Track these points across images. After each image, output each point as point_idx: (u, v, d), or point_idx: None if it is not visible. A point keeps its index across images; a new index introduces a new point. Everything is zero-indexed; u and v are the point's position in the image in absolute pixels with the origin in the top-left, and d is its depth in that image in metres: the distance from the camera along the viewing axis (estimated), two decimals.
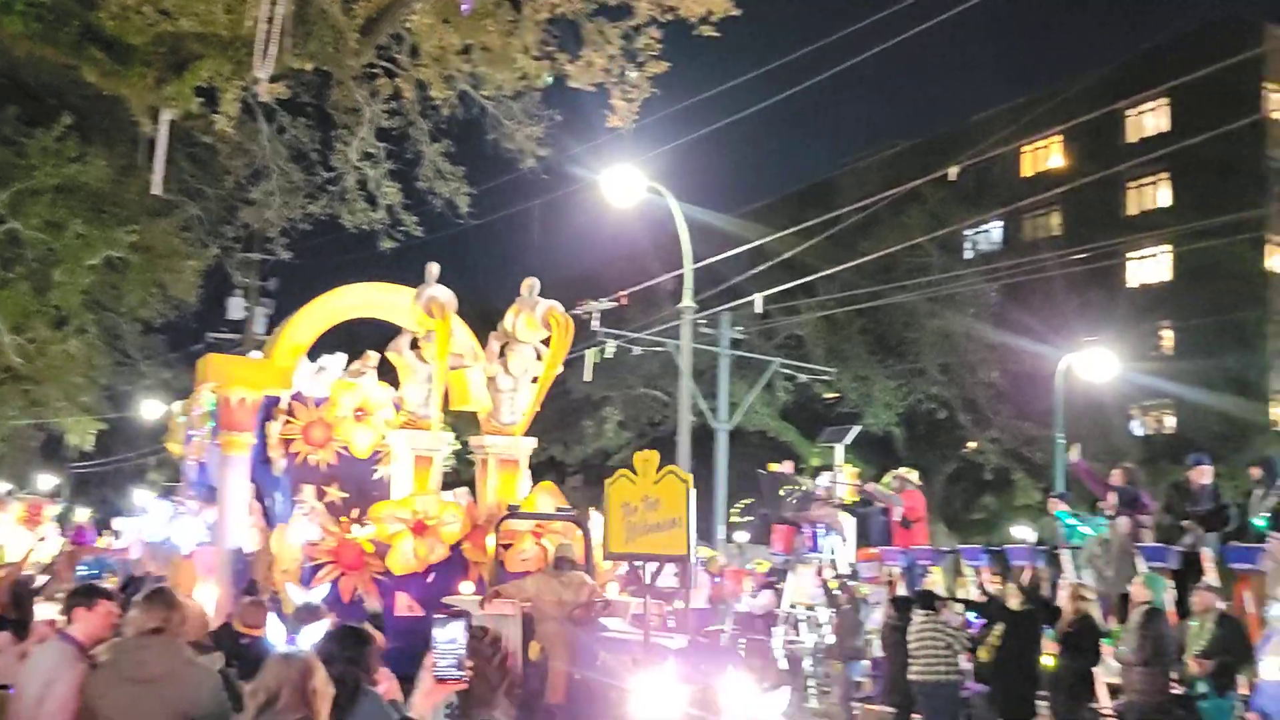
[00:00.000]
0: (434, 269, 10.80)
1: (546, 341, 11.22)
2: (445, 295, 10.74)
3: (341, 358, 12.16)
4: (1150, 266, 37.52)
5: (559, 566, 9.46)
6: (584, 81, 12.62)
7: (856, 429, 21.66)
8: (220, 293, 28.01)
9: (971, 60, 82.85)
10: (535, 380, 11.41)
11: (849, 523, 15.57)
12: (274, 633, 4.43)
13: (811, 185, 40.54)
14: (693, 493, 7.42)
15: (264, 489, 11.33)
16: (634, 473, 7.89)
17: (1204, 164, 31.01)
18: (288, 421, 11.36)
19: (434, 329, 10.63)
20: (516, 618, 9.03)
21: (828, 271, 24.20)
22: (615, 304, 23.19)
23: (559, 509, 10.86)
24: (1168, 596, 10.95)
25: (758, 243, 22.53)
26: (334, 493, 11.25)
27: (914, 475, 15.98)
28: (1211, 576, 11.07)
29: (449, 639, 3.86)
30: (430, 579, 10.17)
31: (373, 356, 11.97)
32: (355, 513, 10.76)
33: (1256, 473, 11.39)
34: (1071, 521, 13.26)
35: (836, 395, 33.60)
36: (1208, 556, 11.26)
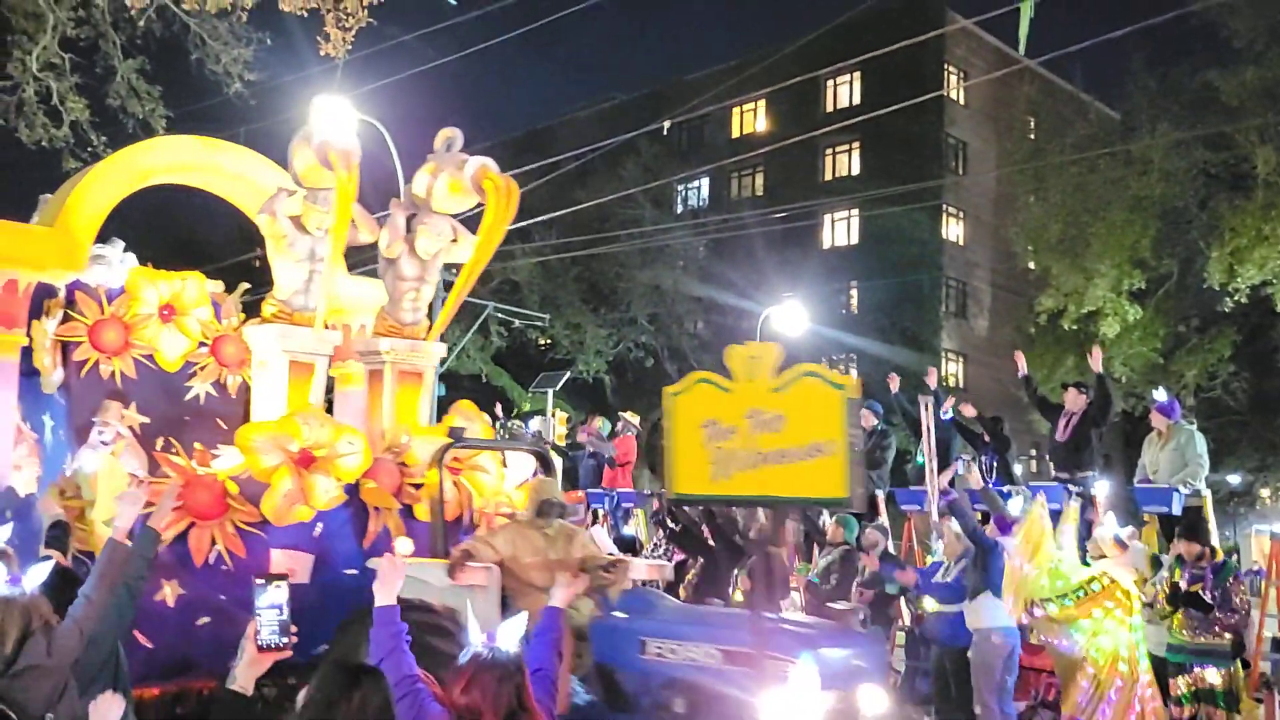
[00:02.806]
0: (327, 103, 8.33)
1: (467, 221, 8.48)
2: (348, 141, 7.86)
3: (119, 245, 9.24)
4: (842, 229, 40.25)
5: (543, 514, 6.90)
6: (295, 5, 12.07)
7: (567, 375, 22.10)
8: None
9: (690, 17, 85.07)
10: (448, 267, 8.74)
11: (556, 465, 15.85)
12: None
13: (531, 132, 40.59)
14: (854, 404, 4.99)
15: (28, 408, 8.32)
16: (724, 376, 5.35)
17: (891, 136, 33.51)
18: (68, 319, 8.40)
19: (332, 186, 7.87)
20: (492, 590, 6.47)
21: (544, 218, 24.41)
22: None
23: (512, 437, 8.59)
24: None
25: None
26: (131, 415, 8.45)
27: (635, 419, 16.49)
28: (883, 517, 12.19)
29: (272, 604, 3.63)
30: (318, 531, 7.39)
31: (117, 244, 9.22)
32: (160, 442, 8.18)
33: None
34: None
35: (550, 341, 34.08)
36: (879, 499, 12.38)
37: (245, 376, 8.70)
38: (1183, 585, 8.62)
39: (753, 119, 42.07)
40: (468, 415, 8.39)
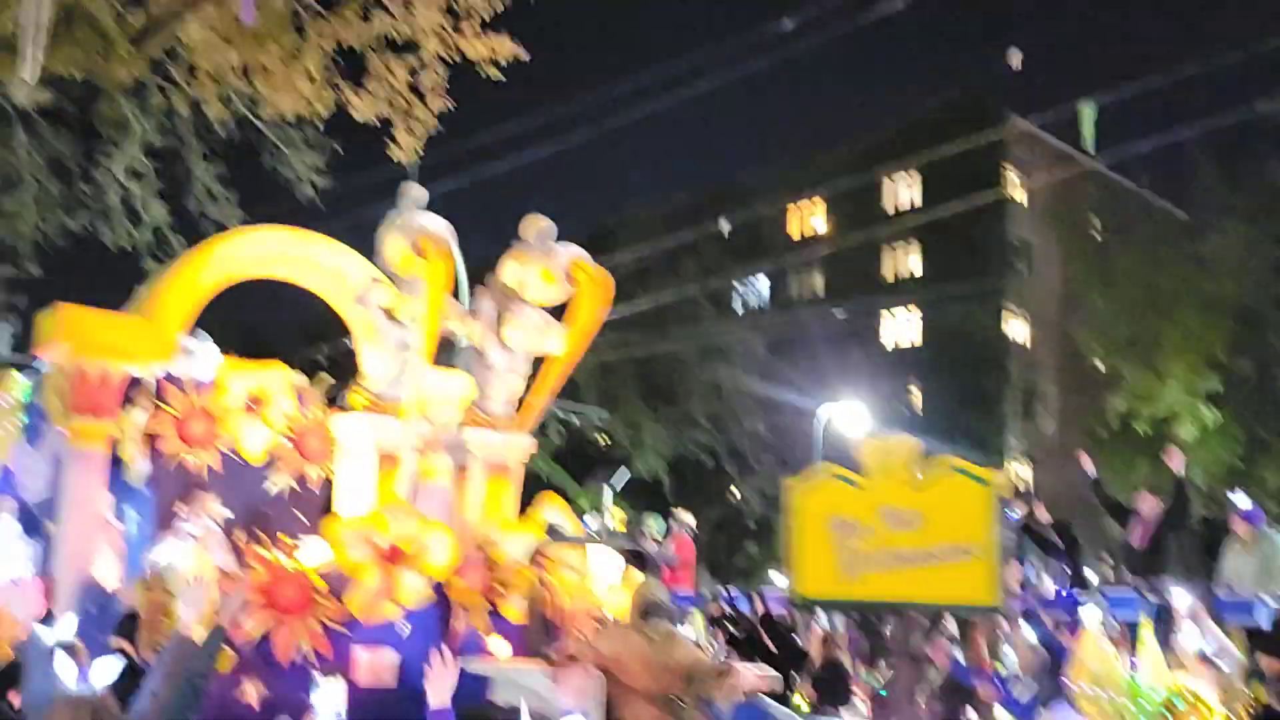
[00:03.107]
0: (417, 190, 8.10)
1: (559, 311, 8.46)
2: (440, 226, 7.93)
3: (205, 337, 8.99)
4: (903, 329, 40.06)
5: (647, 616, 6.24)
6: (367, 113, 12.47)
7: (626, 474, 21.99)
8: None
9: (745, 120, 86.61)
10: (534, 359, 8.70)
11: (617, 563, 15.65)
12: (64, 671, 4.08)
13: (592, 233, 41.20)
14: (1003, 502, 4.49)
15: (113, 500, 8.20)
16: (853, 470, 4.93)
17: (952, 236, 33.47)
18: (157, 410, 8.30)
19: (422, 275, 7.88)
20: (598, 699, 5.89)
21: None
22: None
23: (610, 533, 8.57)
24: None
25: None
26: (216, 508, 8.40)
27: (688, 517, 16.26)
28: (952, 625, 11.81)
29: (328, 702, 3.40)
30: (404, 630, 7.12)
31: (203, 335, 9.02)
32: (243, 536, 8.11)
33: None
34: None
35: (608, 439, 34.03)
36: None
37: (327, 469, 8.63)
38: (1273, 704, 8.22)
39: (812, 218, 42.36)
40: (560, 509, 8.23)
